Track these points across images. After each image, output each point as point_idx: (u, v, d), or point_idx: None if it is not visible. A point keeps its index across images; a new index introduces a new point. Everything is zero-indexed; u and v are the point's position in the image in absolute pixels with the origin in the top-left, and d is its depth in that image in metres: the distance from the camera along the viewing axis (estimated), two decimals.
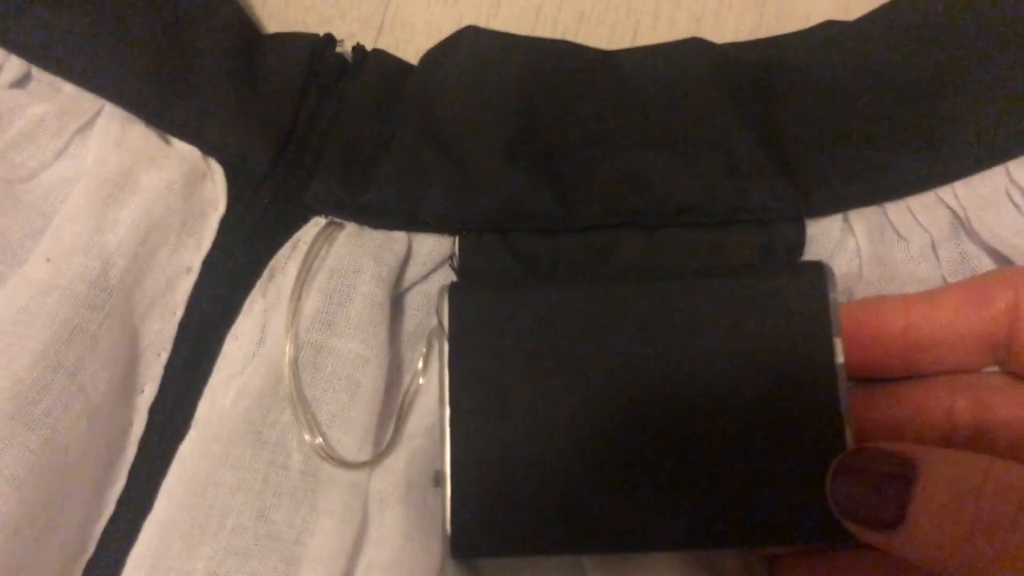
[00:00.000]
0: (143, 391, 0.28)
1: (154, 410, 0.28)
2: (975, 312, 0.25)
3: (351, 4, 0.34)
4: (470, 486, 0.25)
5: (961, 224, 0.29)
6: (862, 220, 0.28)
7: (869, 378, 0.27)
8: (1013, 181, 0.28)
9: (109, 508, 0.28)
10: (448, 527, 0.25)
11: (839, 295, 0.28)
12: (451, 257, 0.30)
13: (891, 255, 0.28)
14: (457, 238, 0.29)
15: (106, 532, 0.27)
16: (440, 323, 0.26)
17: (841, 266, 0.28)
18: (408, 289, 0.30)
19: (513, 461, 0.26)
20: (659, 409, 0.26)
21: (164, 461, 0.28)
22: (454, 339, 0.26)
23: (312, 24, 0.34)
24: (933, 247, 0.29)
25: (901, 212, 0.28)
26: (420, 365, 0.29)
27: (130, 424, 0.28)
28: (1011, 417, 0.25)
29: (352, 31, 0.34)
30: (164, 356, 0.28)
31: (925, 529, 0.21)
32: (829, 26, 0.31)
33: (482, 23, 0.32)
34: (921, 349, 0.26)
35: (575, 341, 0.26)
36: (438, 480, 0.26)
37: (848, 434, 0.25)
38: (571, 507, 0.25)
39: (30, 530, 0.25)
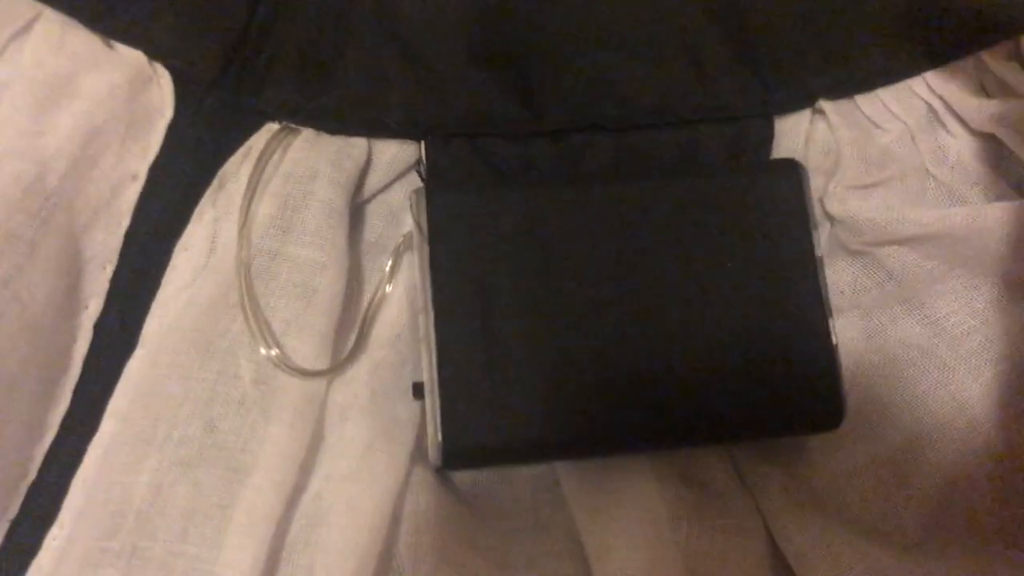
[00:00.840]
0: (88, 306, 0.26)
1: (99, 326, 0.26)
2: None
3: None
4: (459, 394, 0.24)
5: (936, 117, 0.28)
6: (833, 109, 0.28)
7: None
8: (987, 68, 0.28)
9: (52, 430, 0.26)
10: (440, 437, 0.24)
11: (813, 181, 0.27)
12: (418, 163, 0.28)
13: (868, 138, 0.28)
14: (423, 143, 0.28)
15: (49, 455, 0.25)
16: (417, 226, 0.25)
17: (814, 158, 0.28)
18: (369, 199, 0.29)
19: (502, 367, 0.24)
20: (643, 308, 0.25)
21: (110, 380, 0.26)
22: (434, 242, 0.25)
23: None
24: (912, 138, 0.28)
25: (873, 103, 0.28)
26: (387, 269, 0.28)
27: (74, 341, 0.26)
28: None
29: None
30: (110, 269, 0.27)
31: None
32: None
33: None
34: None
35: (558, 242, 0.25)
36: (418, 391, 0.25)
37: (831, 324, 0.25)
38: (562, 412, 0.24)
39: None
